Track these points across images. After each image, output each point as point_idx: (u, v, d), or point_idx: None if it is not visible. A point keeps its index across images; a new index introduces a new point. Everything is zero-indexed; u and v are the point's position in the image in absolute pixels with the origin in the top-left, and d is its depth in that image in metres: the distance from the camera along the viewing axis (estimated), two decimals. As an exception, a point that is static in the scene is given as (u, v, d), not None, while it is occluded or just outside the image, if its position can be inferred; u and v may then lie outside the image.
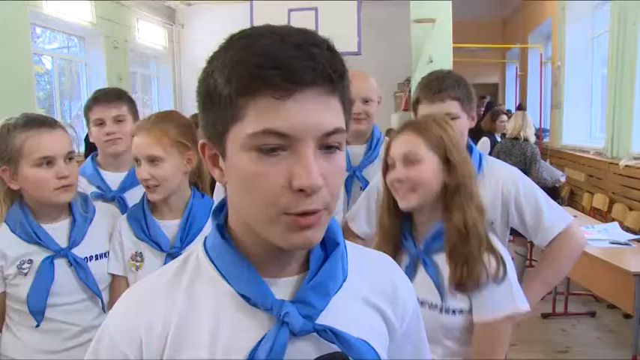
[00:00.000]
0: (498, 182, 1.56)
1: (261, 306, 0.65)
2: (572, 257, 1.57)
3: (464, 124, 1.57)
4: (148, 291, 0.70)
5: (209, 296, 0.67)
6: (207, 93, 0.62)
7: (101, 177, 1.87)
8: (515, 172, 1.61)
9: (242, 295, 0.66)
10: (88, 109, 1.90)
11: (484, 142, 5.10)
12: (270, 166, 0.59)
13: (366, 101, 2.00)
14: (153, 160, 1.41)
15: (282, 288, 0.67)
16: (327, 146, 0.61)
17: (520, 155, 4.40)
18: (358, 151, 2.04)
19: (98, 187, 1.85)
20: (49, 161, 1.40)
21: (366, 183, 1.91)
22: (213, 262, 0.68)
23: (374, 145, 2.04)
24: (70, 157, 1.44)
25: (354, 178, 1.99)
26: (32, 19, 5.23)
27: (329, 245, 0.71)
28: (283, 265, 0.68)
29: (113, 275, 1.51)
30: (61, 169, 1.40)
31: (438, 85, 1.57)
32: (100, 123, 1.86)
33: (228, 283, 0.67)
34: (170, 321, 0.66)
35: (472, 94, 1.60)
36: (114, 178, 1.85)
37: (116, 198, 1.80)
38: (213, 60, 0.62)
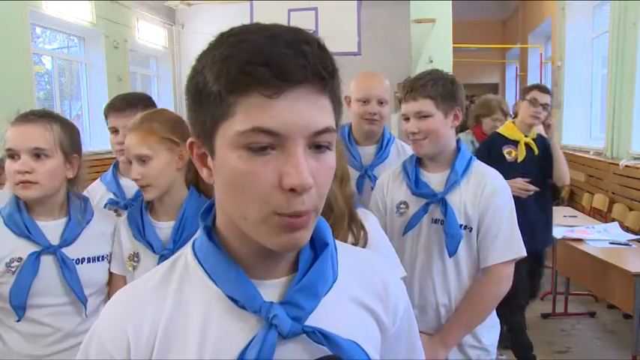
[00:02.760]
0: (479, 187, 1.55)
1: (249, 308, 0.64)
2: (495, 301, 1.58)
3: (438, 121, 1.56)
4: (136, 293, 0.70)
5: (197, 298, 0.66)
6: (197, 90, 0.61)
7: (117, 184, 1.87)
8: (501, 183, 1.59)
9: (230, 297, 0.65)
10: (105, 116, 1.90)
11: None
12: (260, 165, 0.58)
13: (381, 102, 2.03)
14: (142, 160, 1.41)
15: (271, 289, 0.66)
16: (316, 145, 0.60)
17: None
18: (369, 150, 2.08)
19: (114, 194, 1.85)
20: (13, 154, 1.39)
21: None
22: (201, 264, 0.68)
23: (384, 145, 2.08)
24: (38, 153, 1.39)
25: (366, 177, 2.02)
26: (32, 19, 5.22)
27: (318, 246, 0.70)
28: (272, 266, 0.67)
29: (113, 274, 1.51)
30: (20, 164, 1.37)
31: (411, 84, 1.60)
32: (114, 131, 1.86)
33: (216, 285, 0.66)
34: (158, 323, 0.65)
35: (454, 92, 1.58)
36: (134, 185, 1.85)
37: (128, 206, 1.79)
38: (202, 57, 0.61)
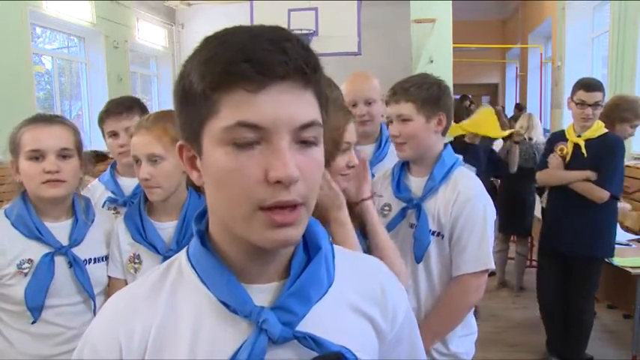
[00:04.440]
0: (453, 195, 1.54)
1: (240, 312, 0.64)
2: (463, 311, 1.57)
3: (418, 125, 1.56)
4: (129, 297, 0.70)
5: (190, 302, 0.67)
6: (183, 92, 0.63)
7: (116, 183, 1.89)
8: (476, 191, 1.55)
9: (222, 302, 0.65)
10: (101, 121, 1.92)
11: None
12: (246, 160, 0.59)
13: (368, 103, 2.02)
14: (154, 160, 1.39)
15: (263, 294, 0.66)
16: (302, 141, 0.61)
17: (529, 153, 4.41)
18: (368, 150, 2.07)
19: (113, 193, 1.87)
20: (39, 155, 1.40)
21: None
22: (194, 268, 0.68)
23: (383, 144, 2.07)
24: (64, 154, 1.42)
25: None
26: (32, 19, 5.22)
27: (312, 249, 0.69)
28: (264, 270, 0.67)
29: (111, 278, 1.50)
30: (49, 164, 1.40)
31: (396, 87, 1.60)
32: (114, 134, 1.89)
33: (208, 289, 0.66)
34: (150, 327, 0.66)
35: (439, 97, 1.56)
36: (131, 184, 1.85)
37: (127, 203, 1.79)
38: (188, 62, 0.63)
